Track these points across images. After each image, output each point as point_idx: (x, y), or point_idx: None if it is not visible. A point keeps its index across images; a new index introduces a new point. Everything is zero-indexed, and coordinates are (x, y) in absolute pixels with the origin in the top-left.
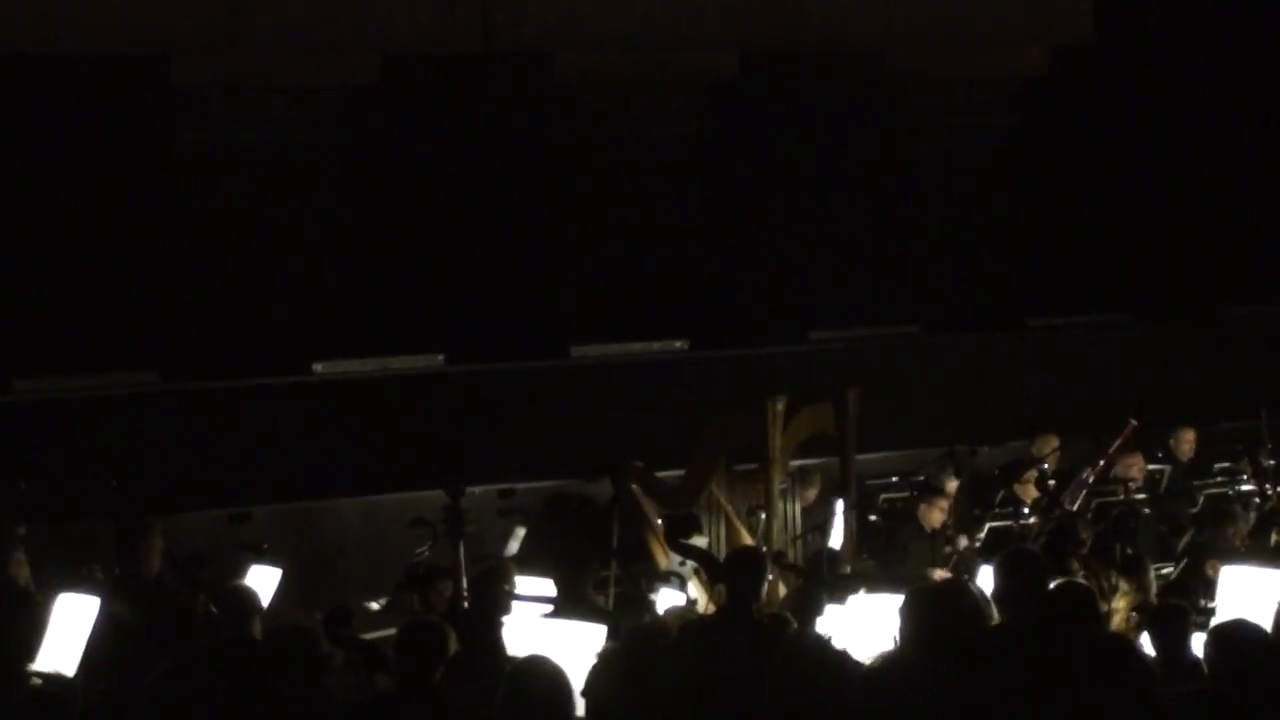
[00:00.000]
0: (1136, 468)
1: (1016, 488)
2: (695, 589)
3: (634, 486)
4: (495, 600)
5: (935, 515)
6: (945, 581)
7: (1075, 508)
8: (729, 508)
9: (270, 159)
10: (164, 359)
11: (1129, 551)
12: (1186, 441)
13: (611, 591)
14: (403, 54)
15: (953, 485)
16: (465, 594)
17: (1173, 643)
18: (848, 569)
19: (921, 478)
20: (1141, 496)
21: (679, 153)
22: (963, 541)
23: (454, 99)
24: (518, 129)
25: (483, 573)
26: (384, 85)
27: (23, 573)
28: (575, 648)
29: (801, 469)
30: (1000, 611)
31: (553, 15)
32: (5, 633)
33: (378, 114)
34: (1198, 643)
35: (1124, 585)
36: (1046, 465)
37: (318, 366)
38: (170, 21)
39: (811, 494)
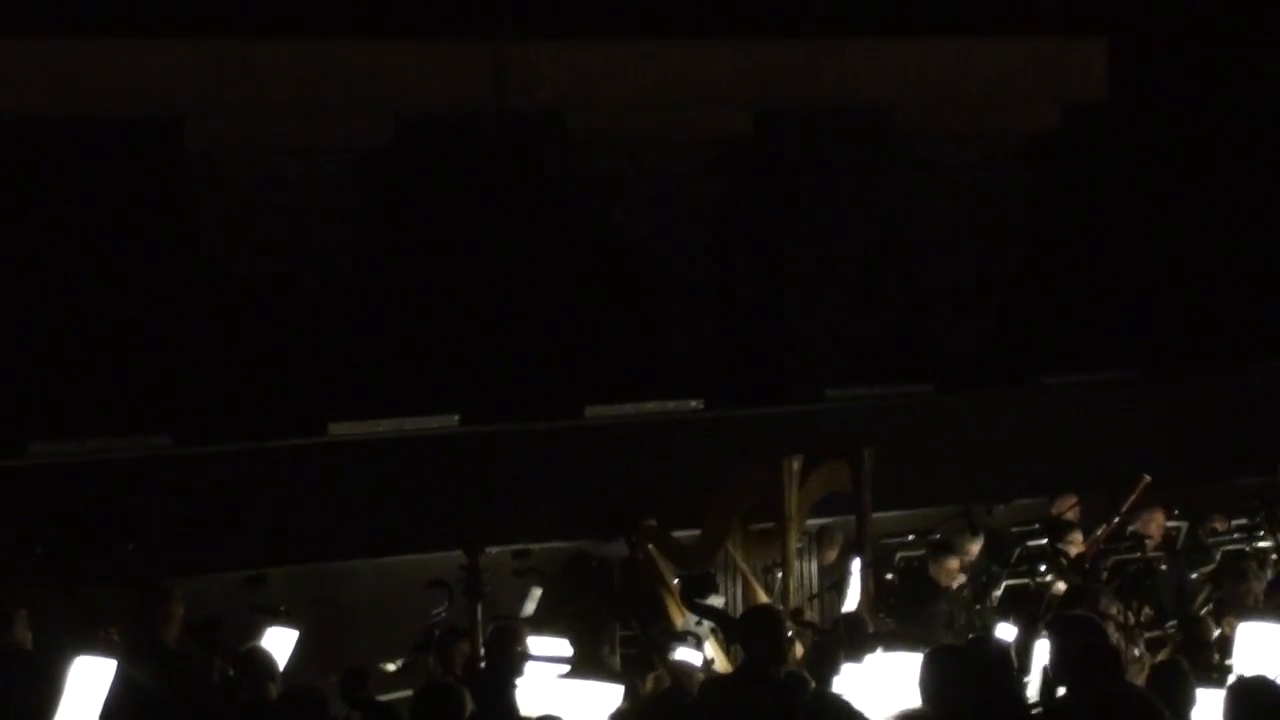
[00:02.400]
0: (1155, 524)
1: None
2: (712, 649)
3: (650, 546)
4: (508, 661)
5: (946, 573)
6: (967, 639)
7: (1089, 565)
8: (745, 567)
9: (284, 221)
10: (178, 422)
11: (1147, 610)
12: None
13: (618, 652)
14: (415, 115)
15: (977, 545)
16: (482, 655)
17: (1172, 698)
18: (870, 628)
19: (937, 536)
20: (1158, 554)
21: (691, 212)
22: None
23: (466, 159)
24: (530, 189)
25: (495, 634)
26: (397, 146)
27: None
28: (590, 708)
29: (823, 528)
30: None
31: (565, 75)
32: (17, 696)
33: (391, 175)
34: (1212, 699)
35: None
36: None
37: (333, 428)
38: (184, 86)
39: (832, 554)
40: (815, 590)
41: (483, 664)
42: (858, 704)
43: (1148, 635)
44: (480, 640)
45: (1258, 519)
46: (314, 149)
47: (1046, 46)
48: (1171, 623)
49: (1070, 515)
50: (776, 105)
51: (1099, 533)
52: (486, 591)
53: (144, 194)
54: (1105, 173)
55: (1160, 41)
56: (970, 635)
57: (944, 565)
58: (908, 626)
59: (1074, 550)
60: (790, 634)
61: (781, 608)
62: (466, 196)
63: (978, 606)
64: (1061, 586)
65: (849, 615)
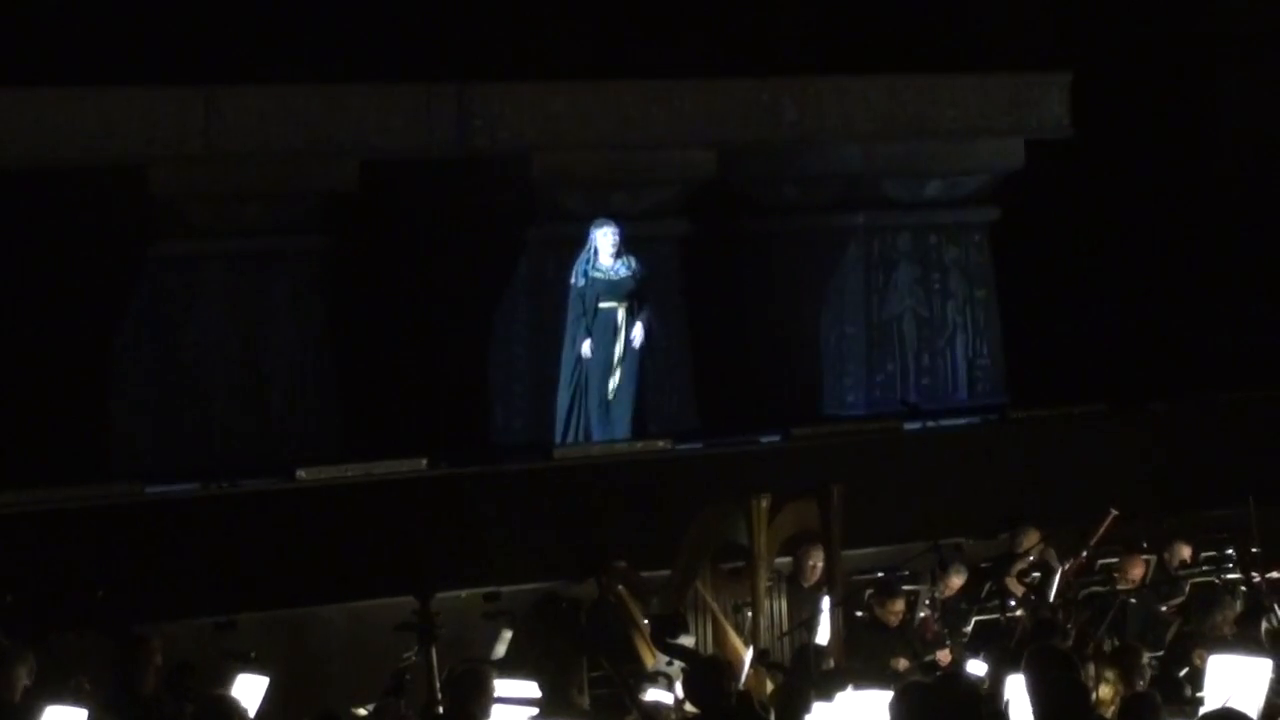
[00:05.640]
0: (1137, 569)
1: (1008, 581)
2: (683, 689)
3: (620, 587)
4: (474, 704)
5: (891, 614)
6: (938, 675)
7: (1057, 599)
8: (715, 606)
9: (250, 266)
10: (146, 468)
11: (1117, 642)
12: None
13: (587, 693)
14: (379, 159)
15: (960, 578)
16: (439, 698)
17: None
18: (831, 663)
19: (905, 573)
20: (1125, 587)
21: (659, 251)
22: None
23: (432, 203)
24: (496, 230)
25: (458, 676)
26: (362, 191)
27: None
28: None
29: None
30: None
31: (528, 116)
32: None
33: (357, 219)
34: None
35: (1109, 676)
36: (1031, 558)
37: (301, 473)
38: (147, 133)
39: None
40: (785, 629)
41: (440, 708)
42: None
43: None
44: (436, 684)
45: (1227, 551)
46: (279, 194)
47: (1010, 82)
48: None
49: (1036, 550)
50: (741, 143)
51: (1067, 566)
52: (441, 634)
53: (108, 241)
54: (1071, 207)
55: (1124, 75)
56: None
57: (889, 607)
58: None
59: (1016, 588)
60: (753, 671)
61: (751, 646)
62: (433, 240)
63: (945, 630)
64: None
65: (816, 646)
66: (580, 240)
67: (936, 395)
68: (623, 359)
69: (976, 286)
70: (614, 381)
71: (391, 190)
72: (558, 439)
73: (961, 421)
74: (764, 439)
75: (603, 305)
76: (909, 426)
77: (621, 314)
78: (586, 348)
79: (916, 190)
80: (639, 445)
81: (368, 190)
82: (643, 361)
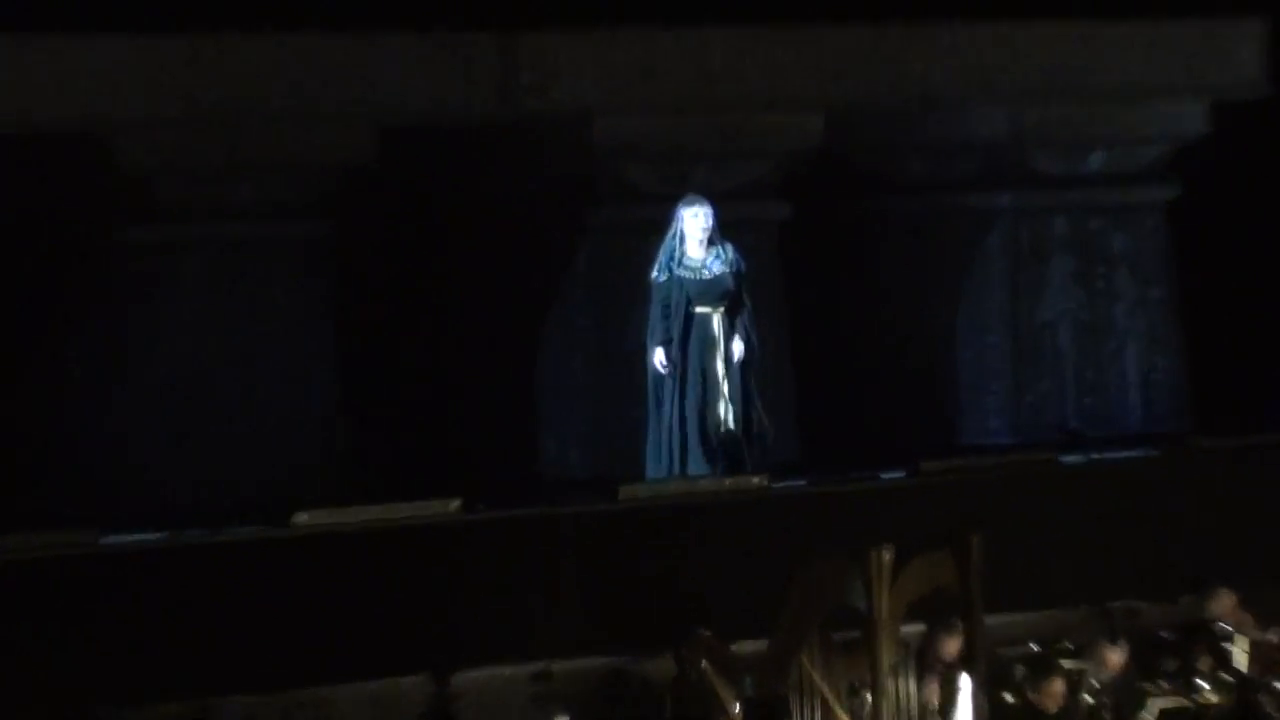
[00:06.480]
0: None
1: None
2: None
3: (703, 663)
4: None
5: (1050, 697)
6: None
7: (1257, 675)
8: (825, 687)
9: (241, 260)
10: (104, 513)
11: None
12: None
13: None
14: (402, 125)
15: (1117, 656)
16: None
17: None
18: None
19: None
20: None
21: (751, 239)
22: None
23: (469, 179)
24: (549, 213)
25: None
26: (380, 164)
27: None
28: None
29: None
30: None
31: (588, 72)
32: None
33: (374, 200)
34: None
35: None
36: (1225, 625)
37: (301, 516)
38: (113, 93)
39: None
40: (914, 717)
41: None
42: None
43: None
44: None
45: None
46: (276, 168)
47: (1192, 32)
48: None
49: (1232, 616)
50: (854, 105)
51: (1271, 637)
52: None
53: (61, 227)
54: (1267, 183)
55: None
56: None
57: (1045, 689)
58: None
59: (1205, 664)
60: None
61: None
62: (469, 226)
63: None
64: None
65: None
66: (654, 225)
67: (1102, 420)
68: (724, 377)
69: (1151, 284)
70: (719, 407)
71: (417, 164)
72: (648, 476)
73: (1134, 453)
74: (885, 475)
75: (697, 310)
76: (1067, 459)
77: (718, 321)
78: (659, 360)
79: (1076, 164)
80: (727, 483)
81: (387, 164)
82: (745, 380)
